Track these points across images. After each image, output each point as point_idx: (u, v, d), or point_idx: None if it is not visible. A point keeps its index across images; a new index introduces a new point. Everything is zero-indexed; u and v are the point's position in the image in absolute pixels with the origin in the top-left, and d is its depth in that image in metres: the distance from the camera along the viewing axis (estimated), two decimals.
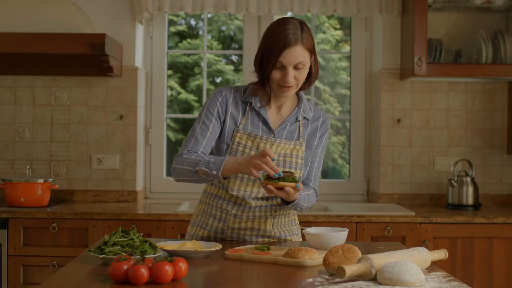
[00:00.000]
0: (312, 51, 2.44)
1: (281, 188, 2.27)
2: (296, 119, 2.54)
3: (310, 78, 2.50)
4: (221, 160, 2.35)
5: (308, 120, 2.57)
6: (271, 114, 2.53)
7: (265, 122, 2.51)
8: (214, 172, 2.34)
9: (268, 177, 2.27)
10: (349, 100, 4.47)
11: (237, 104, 2.52)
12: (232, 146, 2.47)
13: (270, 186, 2.26)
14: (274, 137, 2.49)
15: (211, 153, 2.53)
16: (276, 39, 2.39)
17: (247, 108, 2.51)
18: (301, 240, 2.66)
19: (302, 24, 2.42)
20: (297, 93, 2.57)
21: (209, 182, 2.41)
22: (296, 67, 2.40)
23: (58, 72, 4.07)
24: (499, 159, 4.21)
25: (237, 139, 2.48)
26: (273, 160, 2.24)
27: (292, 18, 2.45)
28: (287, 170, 2.40)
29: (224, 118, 2.50)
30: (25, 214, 3.57)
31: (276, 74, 2.41)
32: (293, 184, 2.27)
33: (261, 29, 4.30)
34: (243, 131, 2.48)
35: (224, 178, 2.38)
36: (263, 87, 2.47)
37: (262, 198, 2.50)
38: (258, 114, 2.51)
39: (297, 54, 2.38)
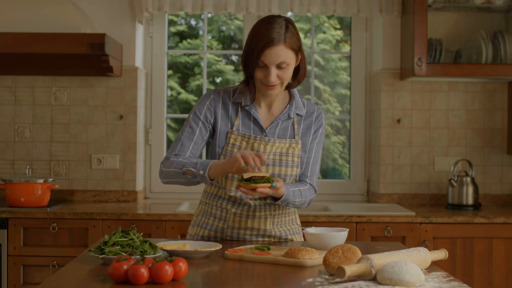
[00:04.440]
0: (297, 50, 2.42)
1: (254, 189, 2.28)
2: (289, 116, 2.52)
3: (298, 76, 2.48)
4: (208, 161, 2.37)
5: (301, 116, 2.55)
6: (261, 113, 2.53)
7: (256, 122, 2.50)
8: (201, 172, 2.36)
9: (241, 180, 2.30)
10: (349, 100, 4.47)
11: (227, 106, 2.51)
12: (227, 148, 2.47)
13: (242, 189, 2.28)
14: (266, 136, 2.49)
15: (206, 158, 2.55)
16: (258, 38, 2.38)
17: (239, 109, 2.51)
18: (302, 239, 2.65)
19: (287, 23, 2.40)
20: (289, 90, 2.57)
21: (196, 183, 2.43)
22: (279, 66, 2.39)
23: (58, 72, 4.07)
24: (499, 159, 4.21)
25: (231, 140, 2.48)
26: (264, 164, 2.24)
27: (278, 16, 2.43)
28: (260, 174, 2.35)
29: (214, 122, 2.50)
30: (25, 214, 3.57)
31: (259, 73, 2.41)
32: (267, 185, 2.29)
33: None
34: (237, 132, 2.48)
35: (211, 180, 2.40)
36: (248, 86, 2.48)
37: (260, 198, 2.50)
38: (249, 114, 2.51)
39: (279, 54, 2.36)
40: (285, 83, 2.45)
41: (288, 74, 2.42)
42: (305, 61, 2.49)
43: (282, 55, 2.37)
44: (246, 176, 2.28)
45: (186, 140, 2.49)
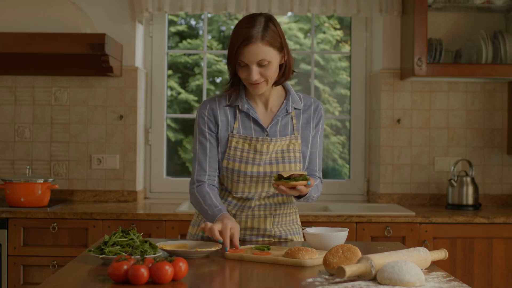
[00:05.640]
0: (279, 48, 2.41)
1: (293, 188, 2.32)
2: (287, 112, 2.52)
3: (284, 72, 2.47)
4: (213, 217, 2.40)
5: (299, 110, 2.55)
6: (260, 112, 2.52)
7: (256, 122, 2.50)
8: (203, 224, 2.41)
9: (279, 178, 2.33)
10: (349, 100, 4.47)
11: (225, 111, 2.51)
12: (229, 151, 2.47)
13: (282, 187, 2.32)
14: (267, 135, 2.49)
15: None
16: (235, 38, 2.38)
17: (236, 112, 2.51)
18: (302, 240, 2.65)
19: (268, 21, 2.40)
20: (283, 85, 2.56)
21: None
22: (259, 64, 2.38)
23: (58, 72, 4.07)
24: (499, 159, 4.21)
25: (233, 144, 2.48)
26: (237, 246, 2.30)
27: (259, 14, 2.43)
28: (298, 172, 2.38)
29: (217, 129, 2.51)
30: (25, 214, 3.57)
31: (242, 73, 2.42)
32: (304, 182, 2.33)
33: None
34: (238, 135, 2.48)
35: None
36: (232, 87, 2.49)
37: (264, 197, 2.51)
38: (248, 115, 2.51)
39: (256, 52, 2.36)
40: (270, 81, 2.43)
41: (271, 71, 2.40)
42: (291, 57, 2.47)
43: (260, 53, 2.36)
44: (286, 175, 2.33)
45: (201, 157, 2.51)
